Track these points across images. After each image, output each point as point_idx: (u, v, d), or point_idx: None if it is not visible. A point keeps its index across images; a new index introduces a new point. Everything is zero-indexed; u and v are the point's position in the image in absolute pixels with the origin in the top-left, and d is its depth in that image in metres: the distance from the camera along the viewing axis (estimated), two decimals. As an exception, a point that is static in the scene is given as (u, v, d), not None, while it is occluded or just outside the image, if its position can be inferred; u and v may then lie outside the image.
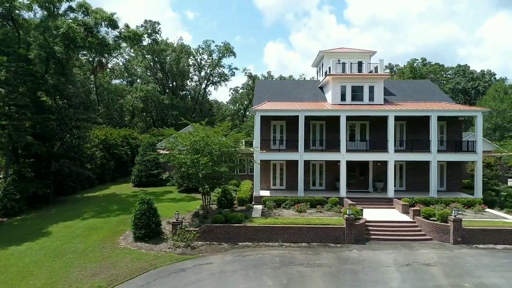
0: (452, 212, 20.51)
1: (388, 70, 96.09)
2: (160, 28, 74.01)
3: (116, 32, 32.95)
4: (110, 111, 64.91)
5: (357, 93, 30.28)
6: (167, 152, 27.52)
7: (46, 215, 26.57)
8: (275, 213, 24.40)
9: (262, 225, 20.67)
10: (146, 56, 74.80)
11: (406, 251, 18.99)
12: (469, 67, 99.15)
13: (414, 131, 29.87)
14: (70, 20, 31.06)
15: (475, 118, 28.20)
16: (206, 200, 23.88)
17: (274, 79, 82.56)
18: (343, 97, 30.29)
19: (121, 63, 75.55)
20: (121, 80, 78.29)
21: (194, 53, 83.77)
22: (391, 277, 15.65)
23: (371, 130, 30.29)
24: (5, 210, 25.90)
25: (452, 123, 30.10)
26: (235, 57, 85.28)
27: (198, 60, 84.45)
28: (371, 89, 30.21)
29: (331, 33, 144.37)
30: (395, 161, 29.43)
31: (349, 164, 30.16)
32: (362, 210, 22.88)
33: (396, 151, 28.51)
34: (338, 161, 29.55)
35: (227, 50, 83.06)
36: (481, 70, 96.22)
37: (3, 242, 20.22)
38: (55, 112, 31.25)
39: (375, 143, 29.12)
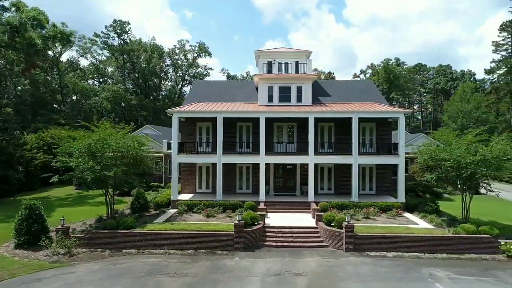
0: (345, 218, 19.74)
1: (362, 71, 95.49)
2: (130, 28, 73.53)
3: (43, 32, 32.21)
4: (74, 112, 64.08)
5: (285, 94, 29.56)
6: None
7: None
8: (185, 218, 23.72)
9: (149, 231, 19.96)
10: (117, 56, 74.10)
11: (290, 259, 18.23)
12: (451, 67, 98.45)
13: (343, 133, 29.09)
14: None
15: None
16: (110, 205, 23.16)
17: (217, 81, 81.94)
18: (270, 98, 29.59)
19: (90, 64, 74.68)
20: (93, 81, 77.65)
21: (171, 53, 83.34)
22: (249, 288, 14.92)
23: (298, 132, 29.55)
24: None
25: (382, 125, 29.36)
26: (210, 57, 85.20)
27: (174, 60, 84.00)
28: (299, 89, 29.50)
29: (331, 32, 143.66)
30: (323, 164, 28.87)
31: (277, 167, 29.58)
32: (264, 214, 22.19)
33: (321, 153, 27.90)
34: (266, 165, 28.97)
35: (202, 50, 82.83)
36: (461, 70, 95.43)
37: None
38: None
39: (304, 145, 28.38)
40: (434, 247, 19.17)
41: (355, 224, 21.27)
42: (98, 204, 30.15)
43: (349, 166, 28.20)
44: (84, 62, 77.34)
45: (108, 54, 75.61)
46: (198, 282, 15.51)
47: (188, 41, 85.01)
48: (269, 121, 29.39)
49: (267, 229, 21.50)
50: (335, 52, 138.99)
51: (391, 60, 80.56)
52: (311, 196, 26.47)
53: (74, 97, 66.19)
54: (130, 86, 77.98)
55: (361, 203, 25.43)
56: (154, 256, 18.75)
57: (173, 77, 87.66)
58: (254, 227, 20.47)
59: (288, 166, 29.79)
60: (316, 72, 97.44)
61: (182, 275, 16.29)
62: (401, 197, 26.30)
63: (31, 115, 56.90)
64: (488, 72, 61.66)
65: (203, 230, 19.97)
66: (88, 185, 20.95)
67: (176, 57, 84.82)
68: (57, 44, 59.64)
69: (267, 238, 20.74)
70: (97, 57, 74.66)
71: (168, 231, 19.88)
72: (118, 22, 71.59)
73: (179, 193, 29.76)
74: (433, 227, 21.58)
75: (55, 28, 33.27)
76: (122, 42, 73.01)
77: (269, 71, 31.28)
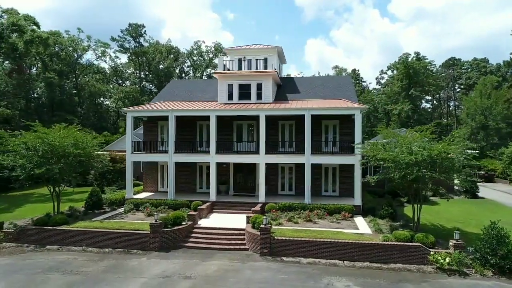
0: (263, 220, 18.71)
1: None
2: (145, 30, 75.88)
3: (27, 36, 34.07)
4: (90, 113, 67.41)
5: (244, 92, 28.79)
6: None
7: None
8: (126, 216, 23.90)
9: (73, 229, 20.28)
10: (133, 59, 76.79)
11: (196, 261, 17.63)
12: (488, 60, 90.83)
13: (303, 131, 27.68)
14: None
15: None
16: (55, 202, 23.77)
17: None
18: (230, 96, 28.97)
19: (109, 67, 78.11)
20: (113, 83, 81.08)
21: (187, 54, 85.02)
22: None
23: (258, 131, 28.56)
24: None
25: (347, 122, 27.57)
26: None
27: (192, 61, 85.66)
28: (259, 86, 28.57)
29: (375, 27, 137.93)
30: (284, 163, 27.86)
31: (238, 166, 28.96)
32: (195, 215, 21.68)
33: (275, 153, 26.85)
34: (225, 164, 28.53)
35: (217, 51, 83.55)
36: (497, 64, 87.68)
37: None
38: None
39: (268, 144, 27.31)
40: (356, 255, 17.60)
41: (284, 227, 20.35)
42: (71, 201, 31.21)
43: (318, 165, 26.95)
44: (104, 65, 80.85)
45: (126, 57, 78.77)
46: (84, 281, 15.43)
47: (204, 42, 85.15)
48: (229, 120, 28.84)
49: (195, 230, 21.01)
50: (381, 48, 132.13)
51: (410, 55, 75.88)
52: (261, 197, 25.51)
53: (91, 99, 69.41)
54: (147, 87, 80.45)
55: (312, 205, 24.05)
56: (68, 253, 19.03)
57: (191, 77, 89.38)
58: (175, 227, 20.05)
59: (251, 166, 28.95)
60: (337, 69, 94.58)
61: (76, 273, 16.32)
62: (357, 200, 24.55)
63: (48, 116, 60.72)
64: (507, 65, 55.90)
65: (123, 229, 19.93)
66: (21, 181, 21.66)
67: (195, 58, 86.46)
68: (70, 49, 63.46)
69: (190, 239, 20.24)
70: (115, 60, 77.89)
71: (90, 229, 20.08)
72: (133, 26, 74.18)
73: (141, 191, 30.13)
74: (371, 232, 19.89)
75: (33, 33, 35.08)
76: (137, 44, 75.58)
77: (240, 68, 30.66)
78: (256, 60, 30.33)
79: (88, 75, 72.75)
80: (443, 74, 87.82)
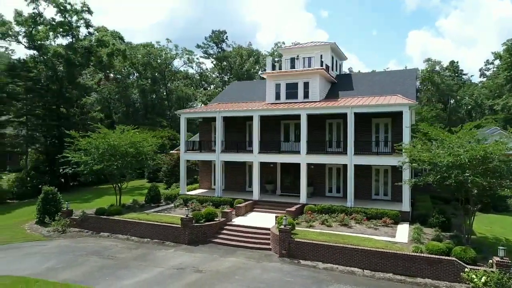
0: (283, 221, 18.36)
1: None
2: (226, 36, 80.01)
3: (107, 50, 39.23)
4: (176, 116, 73.58)
5: (291, 91, 28.49)
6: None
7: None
8: (173, 210, 25.80)
9: (121, 219, 22.73)
10: (216, 64, 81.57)
11: (216, 256, 18.27)
12: None
13: (359, 130, 26.04)
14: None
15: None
16: (117, 194, 26.88)
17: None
18: (277, 96, 28.97)
19: (195, 72, 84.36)
20: (198, 86, 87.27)
21: (267, 54, 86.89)
22: (134, 272, 15.94)
23: (308, 130, 27.93)
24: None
25: (400, 120, 25.16)
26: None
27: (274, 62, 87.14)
28: (306, 85, 27.96)
29: (493, 12, 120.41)
30: (333, 164, 26.84)
31: (284, 166, 28.91)
32: (228, 212, 22.34)
33: (327, 153, 25.97)
34: (272, 163, 28.76)
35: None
36: None
37: None
38: (66, 119, 39.28)
39: (314, 143, 26.78)
40: (379, 264, 16.15)
41: (311, 230, 19.76)
42: (142, 195, 34.80)
43: (368, 167, 25.48)
44: (192, 71, 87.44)
45: (210, 62, 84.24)
46: (112, 265, 17.33)
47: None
48: (276, 120, 28.90)
49: (227, 227, 21.67)
50: (501, 34, 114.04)
51: (519, 39, 64.56)
52: (303, 198, 24.97)
53: (178, 103, 75.92)
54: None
55: (352, 208, 22.72)
56: (113, 240, 21.48)
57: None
58: (206, 223, 21.00)
59: (298, 166, 28.46)
60: (429, 62, 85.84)
61: (110, 258, 18.39)
62: (405, 205, 22.30)
63: (142, 119, 68.58)
64: None
65: (160, 222, 21.64)
66: (85, 176, 25.04)
67: (276, 59, 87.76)
68: (163, 57, 70.45)
69: (220, 235, 20.96)
70: (201, 65, 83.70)
71: (134, 220, 22.31)
72: (216, 32, 78.82)
73: (197, 188, 32.06)
74: (406, 241, 17.98)
75: (113, 46, 40.02)
76: (220, 50, 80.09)
77: (293, 67, 30.51)
78: (308, 58, 29.56)
79: (177, 81, 79.69)
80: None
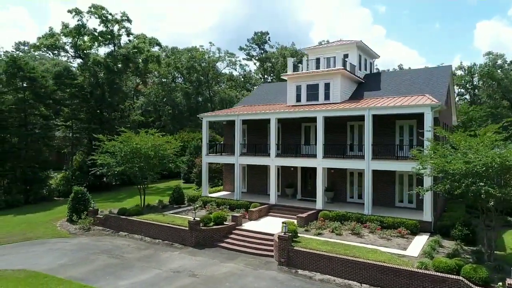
0: (283, 229, 17.81)
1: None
2: (269, 37, 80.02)
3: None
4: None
5: (312, 93, 27.66)
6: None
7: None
8: (192, 212, 26.06)
9: (137, 219, 23.62)
10: (259, 65, 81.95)
11: (216, 261, 18.25)
12: None
13: (381, 133, 24.64)
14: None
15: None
16: (142, 195, 28.00)
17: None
18: (298, 98, 28.30)
19: (238, 74, 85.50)
20: (243, 88, 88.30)
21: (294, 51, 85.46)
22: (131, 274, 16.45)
23: (326, 133, 26.93)
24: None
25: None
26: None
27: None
28: (327, 86, 26.97)
29: None
30: (354, 169, 25.67)
31: (305, 169, 28.25)
32: (238, 216, 22.26)
33: (348, 157, 24.90)
34: (292, 167, 28.27)
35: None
36: None
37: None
38: (108, 123, 41.90)
39: (333, 147, 25.85)
40: (379, 279, 15.04)
41: (317, 238, 19.05)
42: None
43: (384, 173, 24.02)
44: (235, 73, 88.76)
45: (253, 64, 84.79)
46: (118, 264, 18.12)
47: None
48: (297, 123, 28.27)
49: (236, 231, 21.60)
50: None
51: None
52: (319, 203, 24.10)
53: (221, 105, 77.49)
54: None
55: (368, 216, 21.47)
56: (128, 240, 22.42)
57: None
58: (214, 227, 21.10)
59: (313, 170, 27.57)
60: (490, 56, 78.42)
61: (118, 257, 19.22)
62: (427, 215, 20.53)
63: (186, 121, 71.14)
64: None
65: (171, 224, 22.15)
66: (109, 177, 26.40)
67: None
68: (206, 60, 72.49)
69: (227, 240, 20.93)
70: (244, 67, 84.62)
71: (148, 221, 23.09)
72: (258, 34, 79.19)
73: (221, 190, 32.39)
74: (416, 256, 16.55)
75: (147, 53, 41.78)
76: (262, 51, 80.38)
77: (318, 67, 29.70)
78: (332, 58, 28.56)
79: (220, 83, 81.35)
80: None
